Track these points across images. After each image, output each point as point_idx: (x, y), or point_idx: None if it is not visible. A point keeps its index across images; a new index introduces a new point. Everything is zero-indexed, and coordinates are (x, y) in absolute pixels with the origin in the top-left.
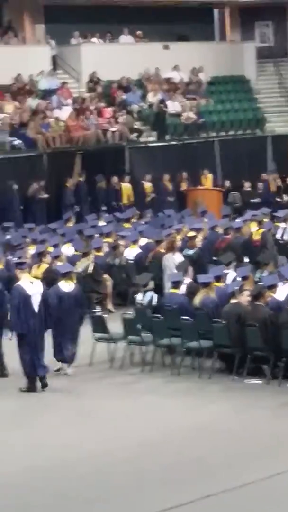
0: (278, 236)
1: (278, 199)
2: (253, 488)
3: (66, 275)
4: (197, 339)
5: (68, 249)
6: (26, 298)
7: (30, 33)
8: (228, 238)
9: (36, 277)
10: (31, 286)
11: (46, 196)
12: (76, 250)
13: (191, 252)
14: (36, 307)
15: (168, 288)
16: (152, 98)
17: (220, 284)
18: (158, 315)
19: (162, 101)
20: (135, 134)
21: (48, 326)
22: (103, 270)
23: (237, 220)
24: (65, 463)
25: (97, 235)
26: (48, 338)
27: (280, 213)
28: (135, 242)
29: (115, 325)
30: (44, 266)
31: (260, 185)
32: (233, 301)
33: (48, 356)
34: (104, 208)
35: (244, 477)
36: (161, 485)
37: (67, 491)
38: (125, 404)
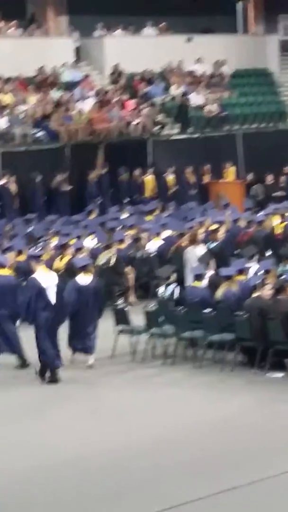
0: None
1: None
2: (276, 482)
3: (84, 268)
4: (219, 332)
5: (90, 242)
6: (41, 290)
7: (53, 25)
8: (250, 231)
9: (58, 270)
10: (46, 278)
11: (69, 188)
12: (98, 243)
13: (213, 245)
14: (52, 299)
15: (190, 281)
16: (175, 90)
17: (242, 278)
18: (180, 307)
19: (185, 94)
20: (158, 127)
21: (62, 319)
22: (125, 263)
23: (259, 214)
24: (84, 456)
25: (119, 227)
26: (63, 331)
27: None
28: (157, 234)
29: (137, 318)
30: (67, 258)
31: (283, 178)
32: (255, 294)
33: (62, 349)
34: (126, 200)
35: (268, 470)
36: (183, 479)
37: (89, 485)
38: (147, 397)
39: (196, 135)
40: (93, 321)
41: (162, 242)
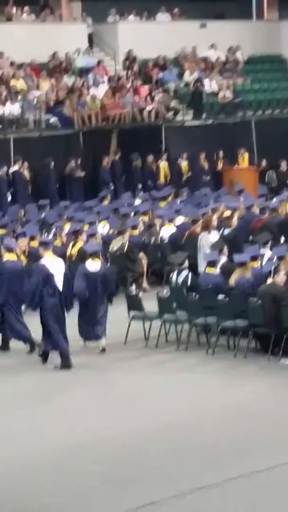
0: None
1: None
2: None
3: (94, 255)
4: (232, 319)
5: (103, 228)
6: (49, 276)
7: (66, 11)
8: (264, 218)
9: (71, 256)
10: (54, 264)
11: (82, 174)
12: (111, 228)
13: (227, 231)
14: (59, 285)
15: (203, 268)
16: (188, 76)
17: (256, 264)
18: (194, 293)
19: (198, 80)
20: (172, 113)
21: (70, 306)
22: (139, 249)
23: (273, 200)
24: (96, 441)
25: (132, 213)
26: (71, 317)
27: None
28: (171, 221)
29: (150, 304)
30: (80, 244)
31: None
32: (268, 281)
33: (71, 335)
34: (139, 186)
35: (280, 457)
36: (194, 465)
37: (100, 470)
38: (159, 382)
39: (209, 122)
40: (102, 308)
41: (176, 228)
